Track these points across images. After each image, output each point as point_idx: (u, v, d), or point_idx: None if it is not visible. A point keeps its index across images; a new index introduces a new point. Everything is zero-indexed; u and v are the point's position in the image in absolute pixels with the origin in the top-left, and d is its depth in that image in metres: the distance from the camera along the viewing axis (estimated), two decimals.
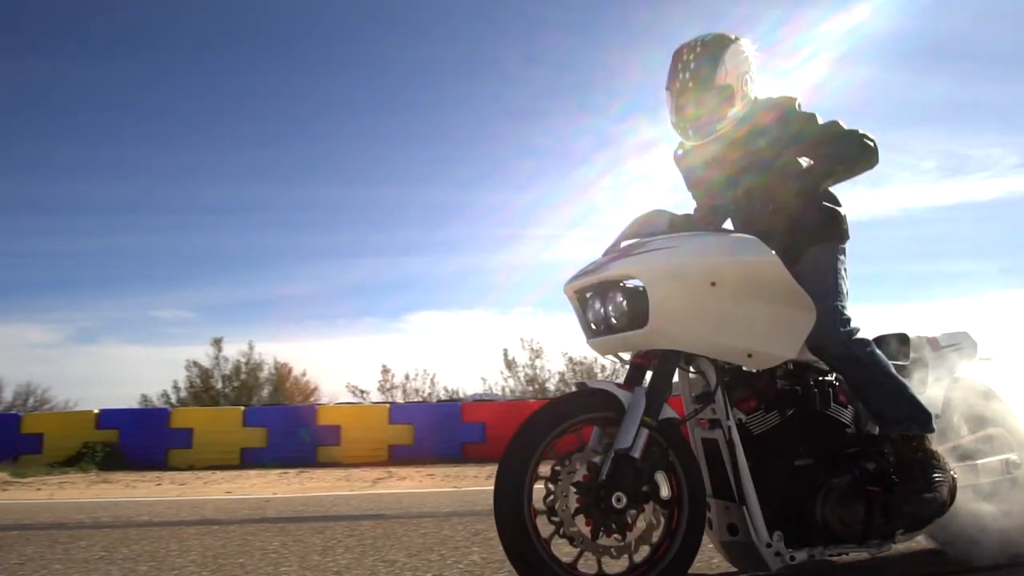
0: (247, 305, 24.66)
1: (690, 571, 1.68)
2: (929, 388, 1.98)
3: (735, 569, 1.93)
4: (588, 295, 1.83)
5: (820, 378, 1.88)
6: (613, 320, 1.72)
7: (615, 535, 1.55)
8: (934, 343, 2.11)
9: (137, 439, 8.26)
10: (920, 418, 1.74)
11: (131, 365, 21.73)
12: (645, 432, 1.58)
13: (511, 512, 1.52)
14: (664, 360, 1.71)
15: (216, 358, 12.97)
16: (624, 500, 1.52)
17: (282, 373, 13.21)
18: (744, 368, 1.79)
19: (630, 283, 1.70)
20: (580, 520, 1.56)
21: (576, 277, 1.84)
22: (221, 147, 25.96)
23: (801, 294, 1.73)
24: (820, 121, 1.85)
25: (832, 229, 1.93)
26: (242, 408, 9.50)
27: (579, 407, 1.71)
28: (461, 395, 12.57)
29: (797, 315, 1.73)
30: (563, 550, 1.60)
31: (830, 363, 1.81)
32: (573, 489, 1.55)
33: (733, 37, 1.91)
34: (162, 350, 23.30)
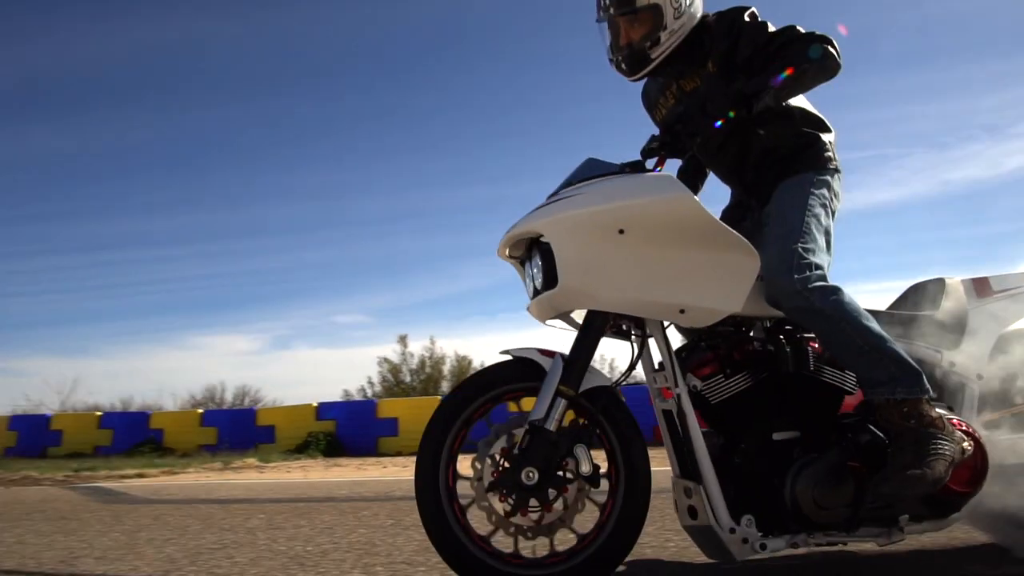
0: (417, 306, 26.48)
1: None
2: (968, 342, 1.66)
3: (712, 560, 1.63)
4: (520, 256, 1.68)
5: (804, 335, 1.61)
6: (536, 282, 1.55)
7: (531, 514, 1.42)
8: (983, 287, 1.74)
9: (350, 428, 9.02)
10: (905, 379, 1.44)
11: (321, 366, 24.11)
12: (562, 402, 1.44)
13: (425, 485, 1.47)
14: (586, 322, 1.55)
15: (403, 354, 13.76)
16: (535, 476, 1.39)
17: (463, 365, 13.65)
18: (683, 325, 1.59)
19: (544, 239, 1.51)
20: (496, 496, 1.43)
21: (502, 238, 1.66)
22: (380, 162, 28.21)
23: (731, 235, 1.49)
24: (772, 28, 1.60)
25: (805, 158, 1.67)
26: (438, 398, 9.84)
27: (501, 378, 1.57)
28: None
29: (734, 260, 1.49)
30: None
31: (790, 317, 1.53)
32: (489, 462, 1.44)
33: None
34: (345, 351, 25.61)
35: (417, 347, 13.92)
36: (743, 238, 1.50)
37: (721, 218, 1.72)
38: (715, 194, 2.00)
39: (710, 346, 1.61)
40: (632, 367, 1.62)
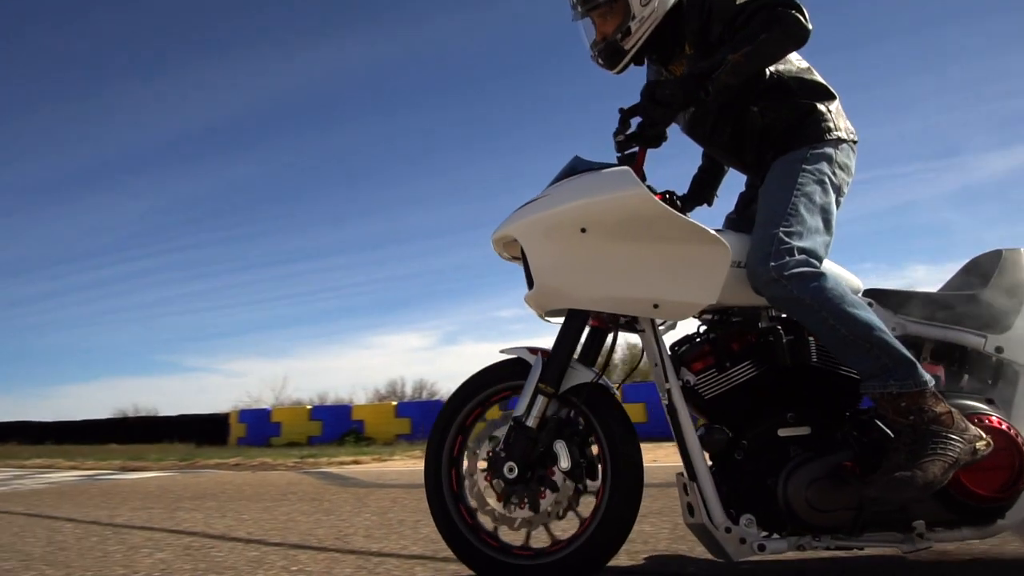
0: None
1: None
2: (1021, 322, 1.43)
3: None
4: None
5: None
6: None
7: (524, 507, 1.46)
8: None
9: None
10: (898, 371, 1.29)
11: (485, 359, 25.22)
12: (541, 399, 1.47)
13: (431, 483, 1.58)
14: (565, 320, 1.55)
15: None
16: (516, 470, 1.43)
17: (634, 353, 13.23)
18: (661, 319, 1.54)
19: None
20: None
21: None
22: (525, 158, 28.81)
23: (694, 228, 1.43)
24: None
25: (800, 132, 1.52)
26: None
27: (495, 377, 1.62)
28: None
29: (700, 252, 1.42)
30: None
31: (774, 306, 1.46)
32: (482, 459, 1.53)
33: None
34: (507, 344, 26.58)
35: None
36: (707, 229, 1.43)
37: (737, 202, 1.81)
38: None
39: (708, 339, 1.55)
40: (607, 363, 1.64)
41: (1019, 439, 1.33)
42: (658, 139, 1.51)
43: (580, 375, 1.51)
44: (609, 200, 1.44)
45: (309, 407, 12.30)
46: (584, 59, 1.75)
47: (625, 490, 1.44)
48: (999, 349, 1.44)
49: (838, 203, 1.52)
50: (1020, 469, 1.31)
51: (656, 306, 1.45)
